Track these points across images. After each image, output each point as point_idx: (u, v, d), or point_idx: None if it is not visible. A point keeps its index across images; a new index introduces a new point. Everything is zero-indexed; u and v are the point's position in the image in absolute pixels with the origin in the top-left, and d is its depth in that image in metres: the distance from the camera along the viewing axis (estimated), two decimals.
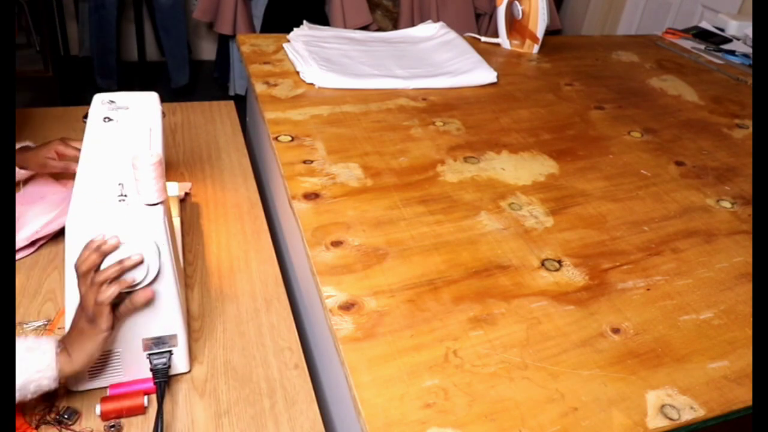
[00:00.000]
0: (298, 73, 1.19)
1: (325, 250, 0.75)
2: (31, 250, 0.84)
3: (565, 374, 0.62)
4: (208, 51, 3.29)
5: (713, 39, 1.76)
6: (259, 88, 1.13)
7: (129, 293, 0.60)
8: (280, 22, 2.60)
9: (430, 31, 1.46)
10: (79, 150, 0.77)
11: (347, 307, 0.67)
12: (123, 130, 0.72)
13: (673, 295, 0.75)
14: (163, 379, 0.65)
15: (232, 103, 1.31)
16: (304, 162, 0.92)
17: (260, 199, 1.02)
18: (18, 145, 0.91)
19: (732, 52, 1.65)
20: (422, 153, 0.98)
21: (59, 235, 0.86)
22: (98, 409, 0.62)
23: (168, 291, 0.63)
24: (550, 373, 0.62)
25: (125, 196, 0.62)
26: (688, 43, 1.72)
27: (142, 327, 0.64)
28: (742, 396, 0.63)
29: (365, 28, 2.70)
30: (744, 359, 0.67)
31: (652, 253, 0.82)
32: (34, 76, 2.64)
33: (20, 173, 0.91)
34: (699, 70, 1.52)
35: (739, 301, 0.76)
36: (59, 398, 0.64)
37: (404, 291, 0.70)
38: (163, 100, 0.82)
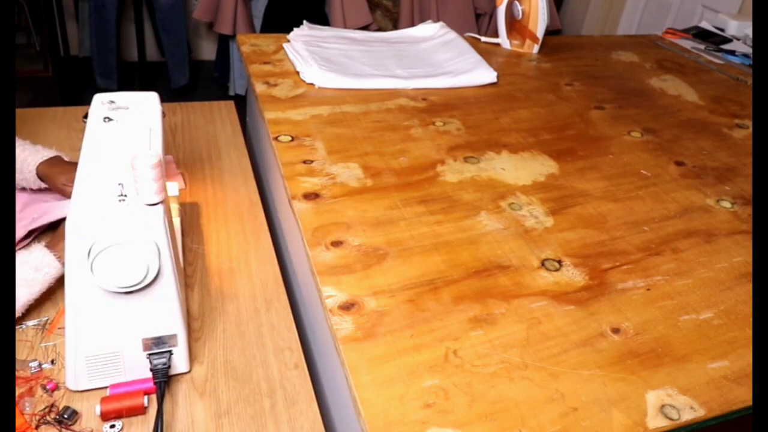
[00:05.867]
0: (298, 73, 1.19)
1: (325, 250, 0.75)
2: (27, 241, 0.84)
3: (565, 374, 0.62)
4: (208, 51, 3.29)
5: (713, 39, 1.76)
6: (259, 88, 1.13)
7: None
8: (280, 22, 2.60)
9: (430, 31, 1.46)
10: None
11: (347, 307, 0.67)
12: (123, 130, 0.72)
13: (673, 295, 0.75)
14: (163, 379, 0.65)
15: (232, 103, 1.31)
16: (304, 162, 0.92)
17: (260, 199, 1.02)
18: (51, 153, 0.90)
19: (732, 52, 1.65)
20: (422, 153, 0.98)
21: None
22: (98, 409, 0.62)
23: (168, 291, 0.63)
24: (550, 373, 0.62)
25: (125, 196, 0.62)
26: (688, 43, 1.72)
27: (142, 327, 0.64)
28: (742, 396, 0.63)
29: (365, 28, 2.70)
30: (744, 359, 0.67)
31: (652, 253, 0.82)
32: (34, 76, 2.64)
33: (37, 183, 0.90)
34: (699, 70, 1.52)
35: (739, 301, 0.76)
36: (59, 398, 0.65)
37: (404, 291, 0.70)
38: (163, 100, 0.82)
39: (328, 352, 0.73)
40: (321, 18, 2.71)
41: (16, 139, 0.89)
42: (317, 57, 1.23)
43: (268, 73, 1.20)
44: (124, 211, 0.60)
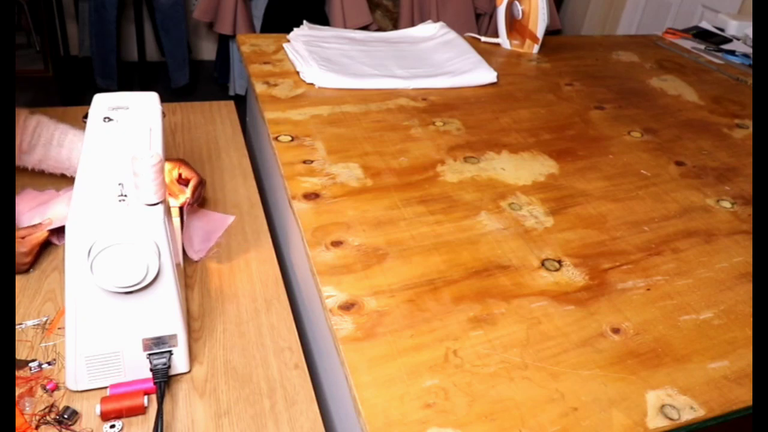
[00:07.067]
0: (298, 73, 1.19)
1: (325, 250, 0.75)
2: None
3: (565, 374, 0.62)
4: (208, 51, 3.29)
5: (713, 39, 1.76)
6: (259, 88, 1.13)
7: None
8: (280, 22, 2.60)
9: (430, 31, 1.46)
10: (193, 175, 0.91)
11: (347, 307, 0.67)
12: (123, 130, 0.72)
13: (673, 295, 0.75)
14: (163, 379, 0.65)
15: (232, 103, 1.31)
16: (304, 162, 0.92)
17: (260, 199, 1.02)
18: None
19: (732, 52, 1.65)
20: (422, 153, 0.98)
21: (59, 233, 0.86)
22: (98, 409, 0.62)
23: (168, 291, 0.63)
24: (550, 373, 0.62)
25: (125, 196, 0.62)
26: (688, 43, 1.72)
27: (142, 327, 0.64)
28: (742, 396, 0.63)
29: (365, 28, 2.70)
30: (744, 359, 0.67)
31: (652, 253, 0.82)
32: (34, 76, 2.64)
33: None
34: (699, 70, 1.52)
35: (739, 301, 0.76)
36: (59, 398, 0.65)
37: (404, 291, 0.70)
38: (163, 100, 0.82)
39: (328, 352, 0.73)
40: (321, 18, 2.71)
41: (75, 130, 0.90)
42: (317, 57, 1.23)
43: (268, 73, 1.20)
44: (124, 211, 0.60)
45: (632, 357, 0.65)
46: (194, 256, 0.87)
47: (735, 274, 0.80)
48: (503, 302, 0.71)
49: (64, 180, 0.93)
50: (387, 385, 0.59)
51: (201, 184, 0.92)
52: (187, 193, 0.89)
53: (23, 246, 0.79)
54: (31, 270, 0.81)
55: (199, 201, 0.94)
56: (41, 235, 0.82)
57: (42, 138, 0.88)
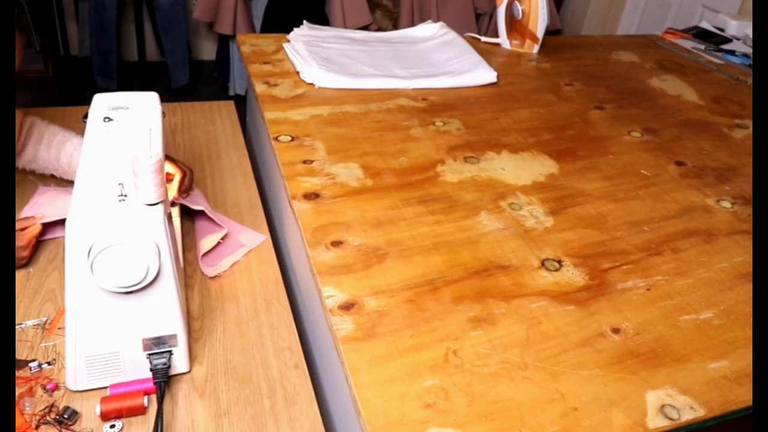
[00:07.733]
0: (298, 73, 1.19)
1: (325, 250, 0.75)
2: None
3: (565, 374, 0.62)
4: (208, 51, 3.29)
5: (713, 39, 1.76)
6: (259, 88, 1.13)
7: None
8: (280, 22, 2.60)
9: (430, 31, 1.46)
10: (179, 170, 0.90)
11: (347, 307, 0.67)
12: (123, 130, 0.72)
13: (673, 295, 0.75)
14: (163, 379, 0.65)
15: (232, 103, 1.31)
16: (304, 162, 0.92)
17: (260, 199, 1.02)
18: None
19: (732, 52, 1.65)
20: (422, 153, 0.98)
21: (57, 229, 0.86)
22: (98, 409, 0.62)
23: (168, 291, 0.63)
24: (550, 373, 0.62)
25: (125, 196, 0.62)
26: (688, 43, 1.72)
27: (142, 327, 0.64)
28: (742, 396, 0.63)
29: (365, 28, 2.70)
30: (744, 359, 0.67)
31: (652, 253, 0.82)
32: (34, 76, 2.64)
33: None
34: (699, 70, 1.52)
35: (739, 301, 0.76)
36: (59, 398, 0.65)
37: (404, 291, 0.70)
38: (163, 100, 0.82)
39: (328, 352, 0.73)
40: (321, 18, 2.71)
41: (65, 132, 0.90)
42: (317, 57, 1.23)
43: (268, 73, 1.20)
44: (124, 211, 0.60)
45: (632, 357, 0.65)
46: (209, 271, 0.84)
47: (735, 274, 0.80)
48: (503, 302, 0.71)
49: (53, 180, 0.94)
50: (387, 385, 0.59)
51: (186, 176, 0.91)
52: (172, 190, 0.88)
53: (20, 240, 0.79)
54: (31, 270, 0.81)
55: (188, 192, 0.93)
56: (36, 228, 0.82)
57: (32, 138, 0.88)
